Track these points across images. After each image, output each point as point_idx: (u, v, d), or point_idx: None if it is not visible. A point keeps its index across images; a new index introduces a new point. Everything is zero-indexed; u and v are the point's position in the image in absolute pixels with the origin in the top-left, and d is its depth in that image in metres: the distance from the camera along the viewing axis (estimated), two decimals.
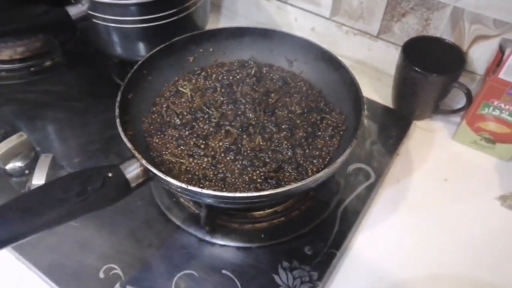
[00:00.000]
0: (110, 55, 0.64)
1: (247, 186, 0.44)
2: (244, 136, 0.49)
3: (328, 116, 0.51)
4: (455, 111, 0.61)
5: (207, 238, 0.49)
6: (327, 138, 0.49)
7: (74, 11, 0.56)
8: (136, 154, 0.40)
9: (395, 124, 0.62)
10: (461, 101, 0.61)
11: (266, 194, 0.38)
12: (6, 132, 0.58)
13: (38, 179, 0.50)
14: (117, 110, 0.45)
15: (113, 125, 0.63)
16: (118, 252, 0.47)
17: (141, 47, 0.62)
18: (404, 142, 0.61)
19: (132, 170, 0.40)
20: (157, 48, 0.53)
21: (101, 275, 0.46)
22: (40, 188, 0.36)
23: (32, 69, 0.69)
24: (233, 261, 0.47)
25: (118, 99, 0.46)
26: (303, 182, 0.39)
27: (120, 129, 0.43)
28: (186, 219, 0.50)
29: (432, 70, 0.56)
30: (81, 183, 0.36)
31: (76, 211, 0.36)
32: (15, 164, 0.54)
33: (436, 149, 0.61)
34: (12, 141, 0.53)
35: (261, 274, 0.46)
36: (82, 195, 0.36)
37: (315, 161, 0.47)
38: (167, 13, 0.58)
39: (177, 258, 0.47)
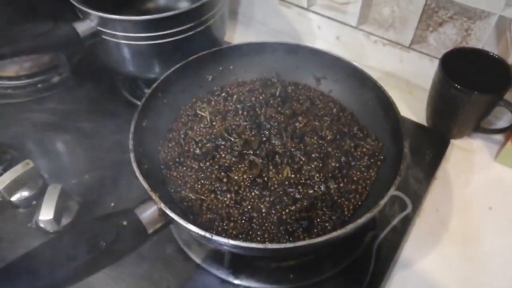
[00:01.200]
0: (121, 73, 0.60)
1: (276, 228, 0.40)
2: (271, 167, 0.44)
3: (363, 143, 0.46)
4: (499, 131, 0.56)
5: (230, 279, 0.44)
6: (363, 169, 0.44)
7: (82, 27, 0.51)
8: (154, 196, 0.36)
9: (430, 143, 0.57)
10: (505, 119, 0.56)
11: (304, 245, 0.33)
12: (12, 158, 0.55)
13: (46, 214, 0.46)
14: (131, 143, 0.41)
15: (124, 147, 0.59)
16: None
17: (155, 64, 0.57)
18: (441, 164, 0.56)
19: (149, 215, 0.36)
20: (172, 69, 0.48)
21: None
22: (46, 244, 0.32)
23: (39, 85, 0.65)
24: None
25: (132, 129, 0.42)
26: (344, 230, 0.34)
27: (135, 166, 0.39)
28: (206, 257, 0.46)
29: (474, 86, 0.50)
30: (92, 237, 0.32)
31: (86, 269, 0.31)
32: (21, 195, 0.50)
33: (477, 172, 0.55)
34: (18, 170, 0.49)
35: None
36: (93, 251, 0.31)
37: (351, 196, 0.42)
38: (183, 28, 0.53)
39: None
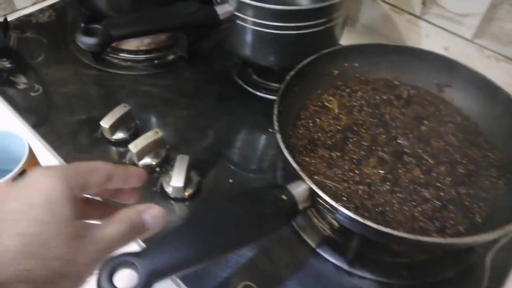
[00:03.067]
0: (238, 56, 0.62)
1: (409, 224, 0.41)
2: (399, 165, 0.46)
3: (490, 154, 0.47)
4: None
5: (345, 267, 0.46)
6: (492, 179, 0.45)
7: (221, 10, 0.54)
8: (305, 177, 0.38)
9: None
10: None
11: (454, 243, 0.35)
12: (136, 126, 0.58)
13: (177, 181, 0.49)
14: (276, 125, 0.43)
15: (236, 130, 0.62)
16: (255, 270, 0.46)
17: (273, 53, 0.60)
18: None
19: (299, 193, 0.38)
20: (308, 59, 0.50)
21: None
22: (216, 207, 0.35)
23: (155, 61, 0.69)
24: None
25: (276, 111, 0.44)
26: (488, 235, 0.35)
27: (283, 146, 0.41)
28: (321, 242, 0.48)
29: None
30: (260, 206, 0.35)
31: (252, 236, 0.34)
32: (148, 161, 0.54)
33: None
34: (149, 137, 0.53)
35: None
36: (262, 219, 0.34)
37: (481, 204, 0.43)
38: (310, 23, 0.55)
39: (314, 284, 0.45)
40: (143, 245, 0.45)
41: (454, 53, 0.68)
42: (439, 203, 0.42)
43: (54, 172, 0.28)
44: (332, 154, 0.46)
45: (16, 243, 0.25)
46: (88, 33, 0.47)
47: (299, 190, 0.38)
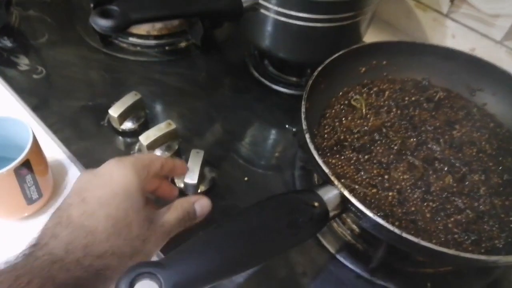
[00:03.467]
0: (261, 48, 0.59)
1: (443, 235, 0.38)
2: (430, 172, 0.43)
3: None
4: None
5: (366, 275, 0.44)
6: None
7: None
8: (337, 182, 0.35)
9: None
10: None
11: (495, 260, 0.32)
12: (146, 116, 0.55)
13: (191, 178, 0.46)
14: (304, 123, 0.40)
15: (251, 124, 0.59)
16: (272, 276, 0.43)
17: (293, 45, 0.57)
18: None
19: (331, 199, 0.35)
20: (336, 55, 0.47)
21: None
22: (242, 212, 0.31)
23: (167, 47, 0.65)
24: None
25: (303, 109, 0.41)
26: None
27: (312, 147, 0.37)
28: (341, 248, 0.45)
29: None
30: (291, 213, 0.31)
31: (284, 245, 0.31)
32: (159, 154, 0.50)
33: None
34: (162, 129, 0.49)
35: None
36: (293, 228, 0.31)
37: None
38: (335, 16, 0.52)
39: None
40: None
41: (481, 54, 0.64)
42: (474, 214, 0.40)
43: (127, 164, 0.34)
44: (360, 156, 0.43)
45: (108, 224, 0.31)
46: (104, 14, 0.43)
47: (330, 196, 0.35)
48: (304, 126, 0.40)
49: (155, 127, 0.50)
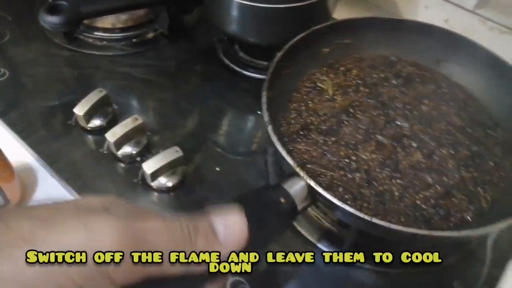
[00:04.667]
0: (228, 34, 0.58)
1: (411, 213, 0.38)
2: (399, 149, 0.42)
3: (492, 133, 0.44)
4: None
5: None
6: (497, 160, 0.42)
7: None
8: (302, 174, 0.34)
9: None
10: None
11: (464, 236, 0.32)
12: (114, 111, 0.54)
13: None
14: (266, 114, 0.39)
15: (223, 112, 0.58)
16: None
17: (261, 29, 0.55)
18: None
19: (297, 191, 0.34)
20: (298, 37, 0.46)
21: None
22: None
23: (134, 40, 0.63)
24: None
25: (264, 99, 0.40)
26: (504, 223, 0.32)
27: (275, 139, 0.37)
28: (321, 236, 0.45)
29: None
30: (257, 213, 0.30)
31: (254, 247, 0.30)
32: (127, 151, 0.50)
33: None
34: (128, 125, 0.48)
35: None
36: (261, 229, 0.30)
37: (486, 187, 0.40)
38: None
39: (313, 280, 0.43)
40: None
41: (455, 25, 0.64)
42: (442, 189, 0.39)
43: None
44: (327, 139, 0.43)
45: None
46: (53, 10, 0.42)
47: (296, 188, 0.34)
48: (266, 118, 0.39)
49: (122, 123, 0.49)
